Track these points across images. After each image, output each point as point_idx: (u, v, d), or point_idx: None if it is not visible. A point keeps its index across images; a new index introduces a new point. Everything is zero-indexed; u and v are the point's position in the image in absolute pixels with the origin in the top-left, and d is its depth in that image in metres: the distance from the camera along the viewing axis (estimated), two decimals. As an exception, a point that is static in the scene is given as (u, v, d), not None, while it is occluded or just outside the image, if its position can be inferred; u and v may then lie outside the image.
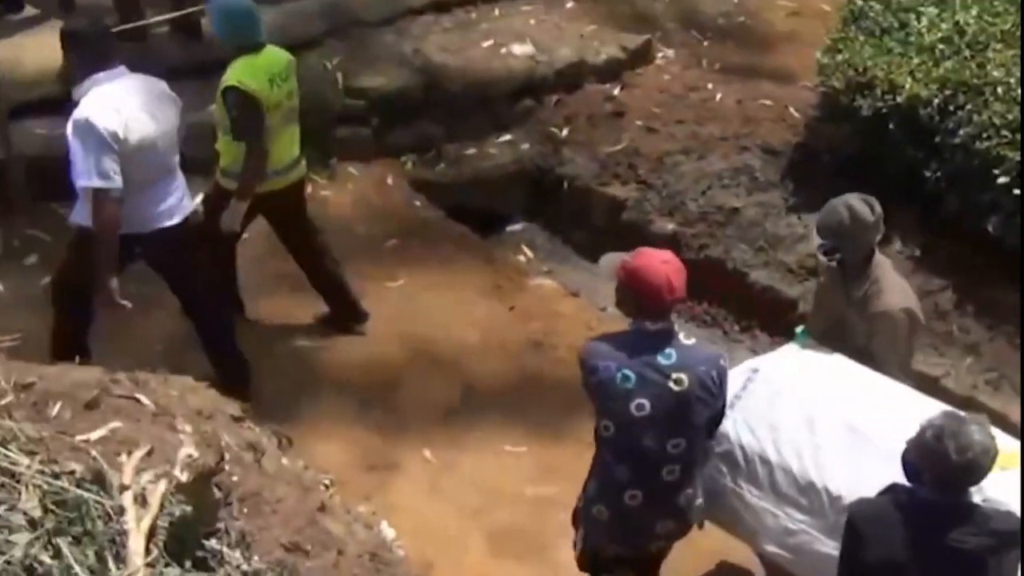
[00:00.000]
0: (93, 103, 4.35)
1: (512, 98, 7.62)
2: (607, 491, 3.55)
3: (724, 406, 3.62)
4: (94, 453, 2.29)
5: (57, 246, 5.67)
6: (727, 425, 3.78)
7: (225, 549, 2.14)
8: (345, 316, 5.77)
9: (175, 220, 4.70)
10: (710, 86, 7.61)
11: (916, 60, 6.20)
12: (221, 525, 2.18)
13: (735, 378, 3.85)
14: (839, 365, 4.03)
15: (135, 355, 4.58)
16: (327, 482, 3.04)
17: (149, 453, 2.35)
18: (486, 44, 7.81)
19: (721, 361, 3.54)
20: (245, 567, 2.16)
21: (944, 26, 6.34)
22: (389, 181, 6.95)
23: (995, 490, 3.21)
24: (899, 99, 6.04)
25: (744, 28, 8.56)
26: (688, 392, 3.40)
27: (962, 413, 3.12)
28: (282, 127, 5.20)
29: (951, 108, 5.89)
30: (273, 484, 2.62)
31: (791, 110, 7.22)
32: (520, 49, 7.86)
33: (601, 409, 3.50)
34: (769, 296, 6.30)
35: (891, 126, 6.10)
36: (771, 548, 3.75)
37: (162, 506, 2.09)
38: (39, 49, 6.11)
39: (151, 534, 2.01)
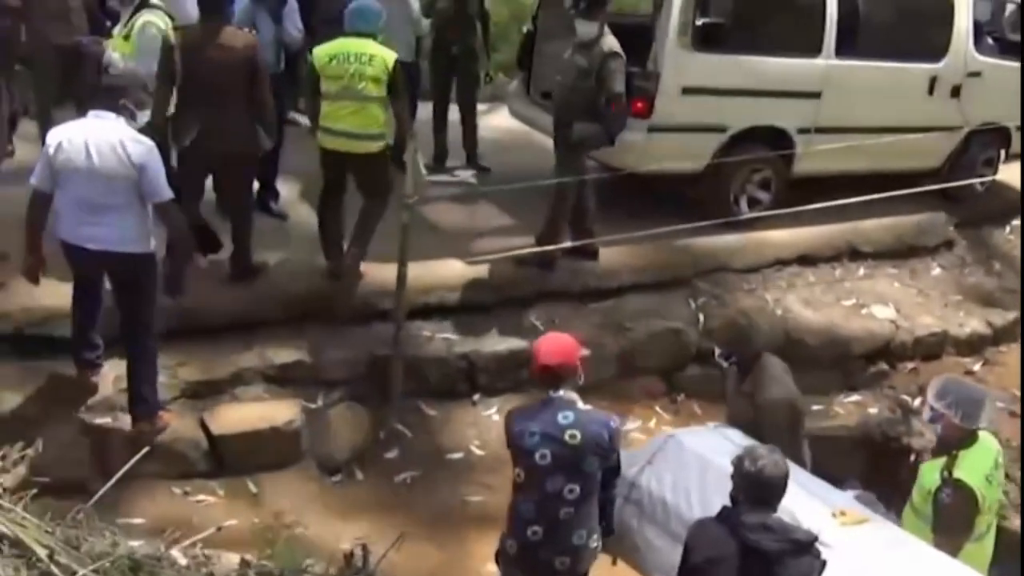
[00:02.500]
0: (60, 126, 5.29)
1: (867, 360, 7.60)
2: (516, 527, 4.20)
3: (618, 460, 4.25)
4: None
5: (417, 444, 6.28)
6: (642, 477, 4.57)
7: None
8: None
9: (100, 247, 5.22)
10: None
11: None
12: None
13: (655, 441, 4.78)
14: (737, 437, 4.65)
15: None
16: None
17: None
18: (848, 303, 7.89)
19: (611, 423, 4.18)
20: None
21: None
22: (732, 424, 7.03)
23: (836, 540, 3.94)
24: None
25: None
26: (581, 447, 4.06)
27: (761, 447, 3.84)
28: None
29: None
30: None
31: None
32: (881, 312, 7.87)
33: (516, 460, 4.18)
34: None
35: None
36: None
37: None
38: (444, 264, 6.98)
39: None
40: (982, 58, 8.77)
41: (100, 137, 5.12)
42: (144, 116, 5.42)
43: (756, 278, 7.90)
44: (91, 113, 5.27)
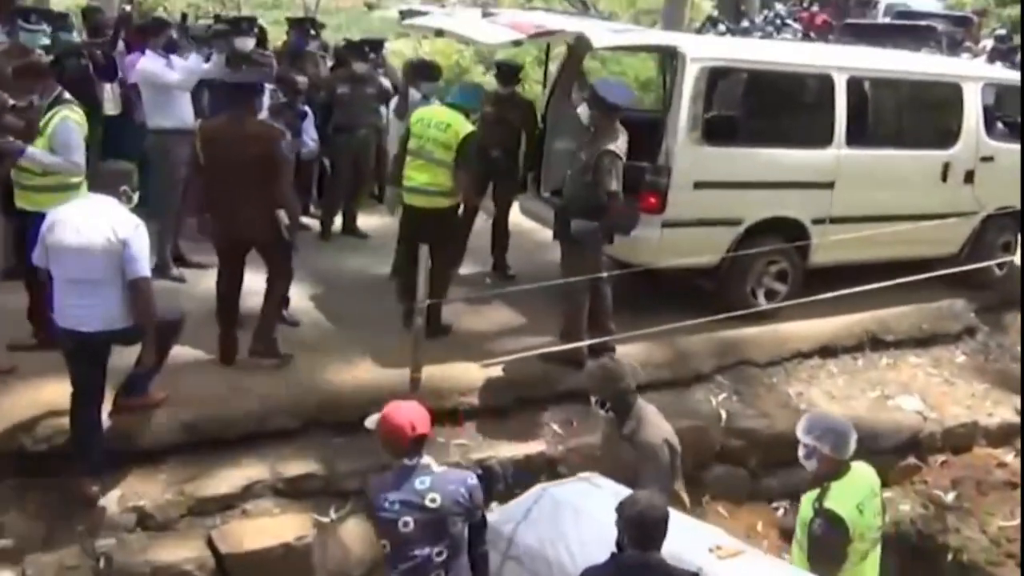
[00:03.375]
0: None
1: (895, 454, 7.33)
2: None
3: (483, 516, 4.38)
4: None
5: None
6: (518, 533, 4.61)
7: None
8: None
9: (83, 328, 5.28)
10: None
11: None
12: None
13: (528, 496, 4.81)
14: (607, 485, 4.81)
15: None
16: None
17: None
18: (872, 394, 7.67)
19: (469, 480, 4.27)
20: None
21: None
22: (759, 528, 6.75)
23: (715, 572, 4.13)
24: None
25: None
26: (442, 509, 4.12)
27: (640, 492, 4.11)
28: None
29: None
30: None
31: None
32: (908, 403, 7.65)
33: (378, 532, 4.25)
34: None
35: None
36: None
37: None
38: (458, 368, 6.79)
39: None
40: (994, 143, 8.71)
41: (92, 215, 5.29)
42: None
43: (777, 371, 7.71)
44: (91, 194, 5.51)
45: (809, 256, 8.05)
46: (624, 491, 4.46)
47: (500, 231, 8.63)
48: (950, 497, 7.05)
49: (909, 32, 12.77)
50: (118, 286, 5.29)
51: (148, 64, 7.71)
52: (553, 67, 9.08)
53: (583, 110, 6.82)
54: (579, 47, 8.36)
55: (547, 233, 8.62)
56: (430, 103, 8.05)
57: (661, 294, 7.74)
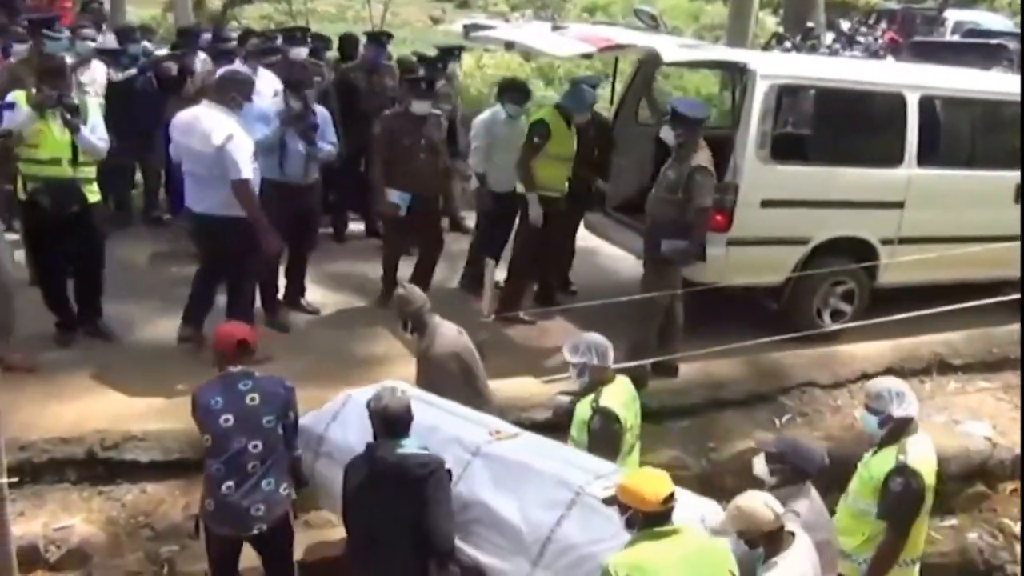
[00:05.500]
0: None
1: (963, 481, 7.11)
2: (211, 487, 4.67)
3: (296, 419, 4.86)
4: None
5: None
6: (329, 432, 5.02)
7: None
8: None
9: (202, 210, 6.55)
10: None
11: None
12: None
13: (337, 400, 5.20)
14: (408, 388, 5.04)
15: None
16: None
17: None
18: (940, 419, 7.44)
19: (287, 384, 4.82)
20: None
21: None
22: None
23: (492, 450, 4.68)
24: None
25: None
26: (260, 407, 4.64)
27: (393, 384, 4.66)
28: None
29: None
30: None
31: None
32: (976, 428, 7.41)
33: (201, 428, 4.67)
34: None
35: None
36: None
37: None
38: (519, 383, 6.70)
39: None
40: (1070, 164, 8.40)
41: (202, 120, 6.27)
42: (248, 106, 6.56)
43: (842, 393, 7.52)
44: (204, 102, 6.48)
45: (877, 277, 7.86)
46: (421, 394, 5.08)
47: (568, 252, 8.48)
48: (1019, 527, 6.78)
49: (979, 50, 12.43)
50: (225, 183, 6.23)
51: None
52: (619, 82, 8.97)
53: (666, 132, 6.69)
54: (649, 62, 8.25)
55: (610, 249, 8.61)
56: (517, 122, 7.98)
57: (726, 313, 7.57)
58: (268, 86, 7.82)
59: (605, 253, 8.91)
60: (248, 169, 6.25)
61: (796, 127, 8.16)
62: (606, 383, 5.14)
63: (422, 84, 7.78)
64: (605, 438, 4.98)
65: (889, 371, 7.72)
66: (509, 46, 8.28)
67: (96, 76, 8.11)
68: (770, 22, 22.99)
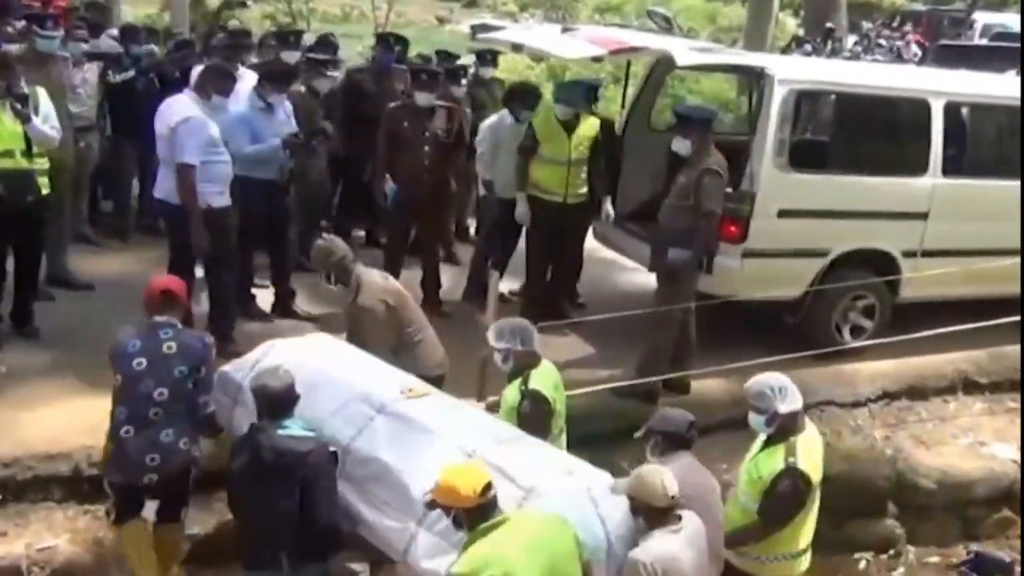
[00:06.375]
0: None
1: (988, 505, 7.13)
2: (113, 429, 4.80)
3: (210, 375, 4.96)
4: None
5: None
6: (248, 381, 4.99)
7: None
8: None
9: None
10: None
11: None
12: None
13: (258, 350, 5.37)
14: (329, 342, 5.60)
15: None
16: None
17: None
18: (965, 441, 7.43)
19: (206, 339, 5.02)
20: None
21: None
22: (841, 579, 6.55)
23: (401, 408, 4.86)
24: None
25: None
26: (174, 355, 4.80)
27: (266, 371, 4.81)
28: None
29: None
30: None
31: None
32: (1004, 451, 7.38)
33: (114, 368, 4.83)
34: None
35: None
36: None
37: None
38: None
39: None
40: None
41: (169, 105, 6.65)
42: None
43: (862, 413, 7.50)
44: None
45: (899, 291, 7.85)
46: (338, 350, 5.42)
47: (575, 265, 8.45)
48: (1020, 555, 6.75)
49: (1009, 55, 12.42)
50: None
51: None
52: (631, 86, 8.98)
53: (679, 144, 6.68)
54: (661, 65, 8.26)
55: (620, 260, 8.61)
56: (524, 127, 7.94)
57: (740, 327, 7.56)
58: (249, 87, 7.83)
59: (615, 264, 8.92)
60: (193, 156, 6.41)
61: (815, 134, 8.18)
62: (533, 367, 5.26)
63: (422, 75, 7.90)
64: (535, 420, 5.09)
65: (912, 390, 7.76)
66: (517, 48, 8.30)
67: (88, 77, 8.14)
68: (790, 24, 23.03)
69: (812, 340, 7.47)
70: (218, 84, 6.69)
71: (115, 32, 9.84)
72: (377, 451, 4.66)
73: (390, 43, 9.61)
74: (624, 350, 7.01)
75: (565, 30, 7.89)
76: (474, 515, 3.91)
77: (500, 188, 8.15)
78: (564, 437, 5.45)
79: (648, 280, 7.53)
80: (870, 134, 7.79)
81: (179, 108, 6.54)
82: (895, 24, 21.18)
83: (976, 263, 7.75)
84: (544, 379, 5.26)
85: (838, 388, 7.53)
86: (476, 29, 9.10)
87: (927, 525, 7.01)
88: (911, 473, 7.03)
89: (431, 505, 4.06)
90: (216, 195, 6.66)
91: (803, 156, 7.42)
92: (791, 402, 4.92)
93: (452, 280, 8.46)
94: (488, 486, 3.93)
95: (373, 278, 5.83)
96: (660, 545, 4.07)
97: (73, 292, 7.63)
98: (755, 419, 5.02)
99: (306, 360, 5.14)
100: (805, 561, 5.11)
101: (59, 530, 5.48)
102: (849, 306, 7.78)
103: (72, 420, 5.87)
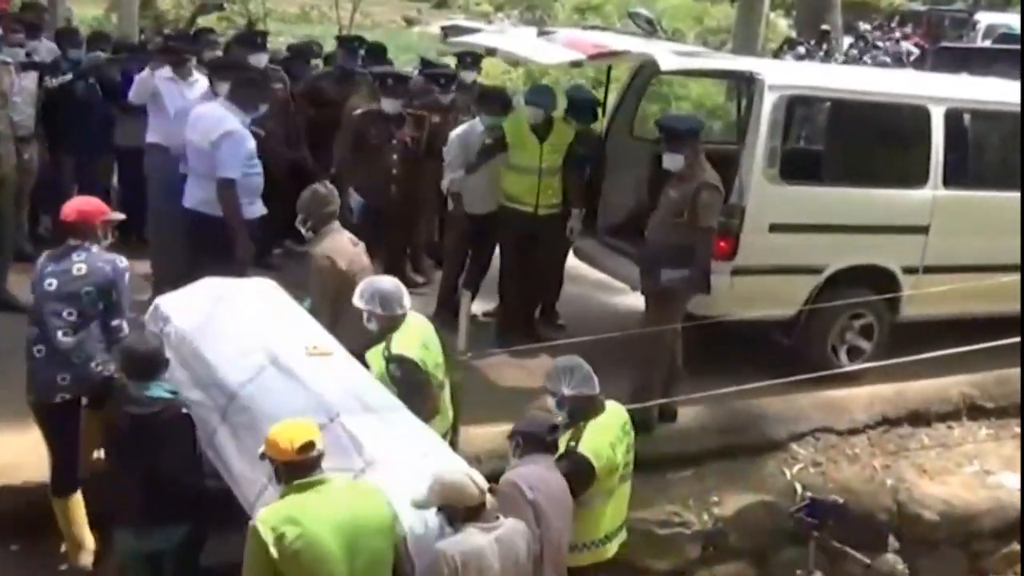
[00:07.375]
0: None
1: (995, 538, 7.12)
2: (27, 348, 5.16)
3: (119, 302, 5.22)
4: None
5: None
6: (175, 314, 5.45)
7: None
8: None
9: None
10: None
11: None
12: None
13: (199, 284, 5.71)
14: (270, 294, 5.81)
15: None
16: None
17: None
18: (970, 469, 7.42)
19: (119, 263, 5.22)
20: None
21: None
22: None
23: (302, 368, 5.00)
24: None
25: None
26: (84, 277, 5.12)
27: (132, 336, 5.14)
28: None
29: None
30: None
31: None
32: (1010, 480, 7.37)
33: (32, 288, 5.21)
34: None
35: None
36: None
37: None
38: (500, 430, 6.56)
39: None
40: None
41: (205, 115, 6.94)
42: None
43: (860, 440, 7.46)
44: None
45: (899, 309, 7.84)
46: (279, 298, 5.70)
47: (555, 282, 8.40)
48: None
49: (1014, 58, 12.46)
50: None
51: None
52: (612, 92, 8.94)
53: (670, 160, 6.60)
54: (645, 70, 8.23)
55: (601, 277, 8.56)
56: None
57: (731, 350, 7.51)
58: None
59: (598, 283, 8.87)
60: (235, 170, 6.59)
61: (809, 143, 8.16)
62: (395, 330, 5.32)
63: (389, 80, 7.85)
64: (410, 383, 5.17)
65: (914, 416, 7.74)
66: (490, 52, 8.27)
67: (25, 84, 8.03)
68: (782, 25, 23.14)
69: (807, 362, 7.42)
70: (253, 94, 6.85)
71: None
72: (254, 401, 4.86)
73: (352, 46, 9.53)
74: (608, 375, 6.89)
75: (542, 33, 7.84)
76: (291, 469, 4.16)
77: (469, 203, 8.03)
78: (447, 392, 5.67)
79: (633, 300, 7.47)
80: (867, 143, 7.78)
81: (219, 120, 6.66)
82: (892, 24, 21.31)
83: (981, 279, 7.73)
84: (407, 340, 5.31)
85: (835, 414, 7.50)
86: (447, 31, 9.08)
87: (930, 560, 6.97)
88: (913, 504, 7.00)
89: (262, 456, 4.29)
90: (250, 206, 6.85)
91: (796, 167, 7.41)
92: (578, 386, 5.10)
93: (421, 301, 8.34)
94: (310, 444, 4.17)
95: (340, 238, 5.95)
96: (468, 539, 4.22)
97: (14, 314, 7.48)
98: (549, 401, 5.20)
99: (230, 301, 5.50)
100: (614, 546, 5.27)
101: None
102: (846, 326, 7.76)
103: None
